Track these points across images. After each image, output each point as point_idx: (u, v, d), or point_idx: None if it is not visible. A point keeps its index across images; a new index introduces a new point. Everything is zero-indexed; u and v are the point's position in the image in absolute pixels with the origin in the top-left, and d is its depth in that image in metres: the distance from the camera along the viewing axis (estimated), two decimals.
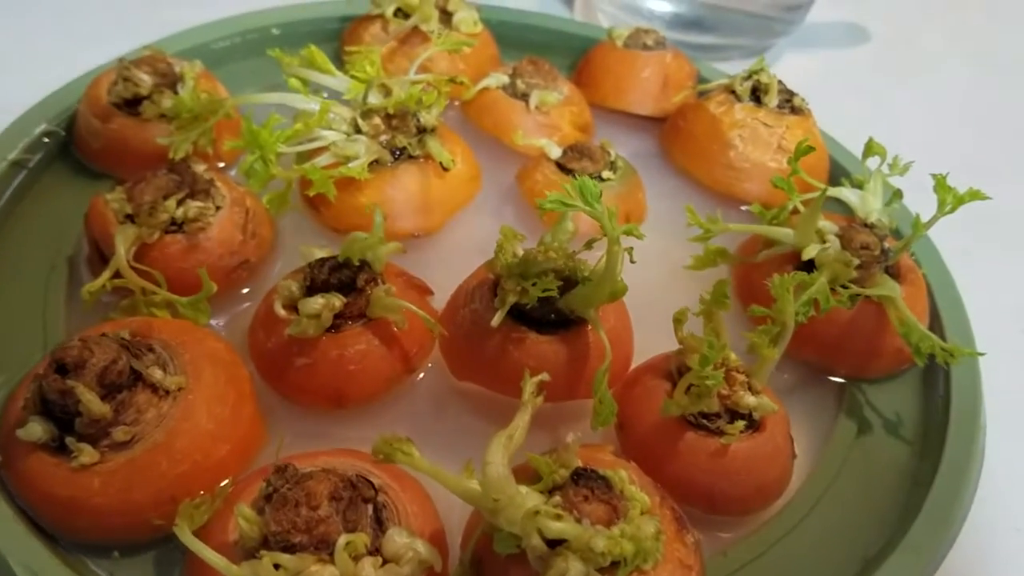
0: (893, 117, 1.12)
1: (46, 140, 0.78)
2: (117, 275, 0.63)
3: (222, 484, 0.55)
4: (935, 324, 0.74)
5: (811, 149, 0.69)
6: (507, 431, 0.52)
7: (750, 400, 0.59)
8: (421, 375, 0.67)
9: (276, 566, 0.47)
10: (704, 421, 0.59)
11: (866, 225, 0.72)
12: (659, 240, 0.77)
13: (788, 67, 1.20)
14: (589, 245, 0.63)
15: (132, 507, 0.53)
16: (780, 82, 0.85)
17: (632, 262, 0.63)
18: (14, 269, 0.69)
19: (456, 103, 0.88)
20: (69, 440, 0.53)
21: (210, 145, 0.73)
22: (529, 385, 0.54)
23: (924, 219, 0.68)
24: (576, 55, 0.99)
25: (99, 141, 0.76)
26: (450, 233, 0.76)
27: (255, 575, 0.47)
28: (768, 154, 0.82)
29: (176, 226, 0.66)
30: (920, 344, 0.66)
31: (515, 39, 1.00)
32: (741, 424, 0.58)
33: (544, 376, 0.56)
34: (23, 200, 0.75)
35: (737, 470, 0.59)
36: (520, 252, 0.63)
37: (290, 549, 0.48)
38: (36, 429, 0.53)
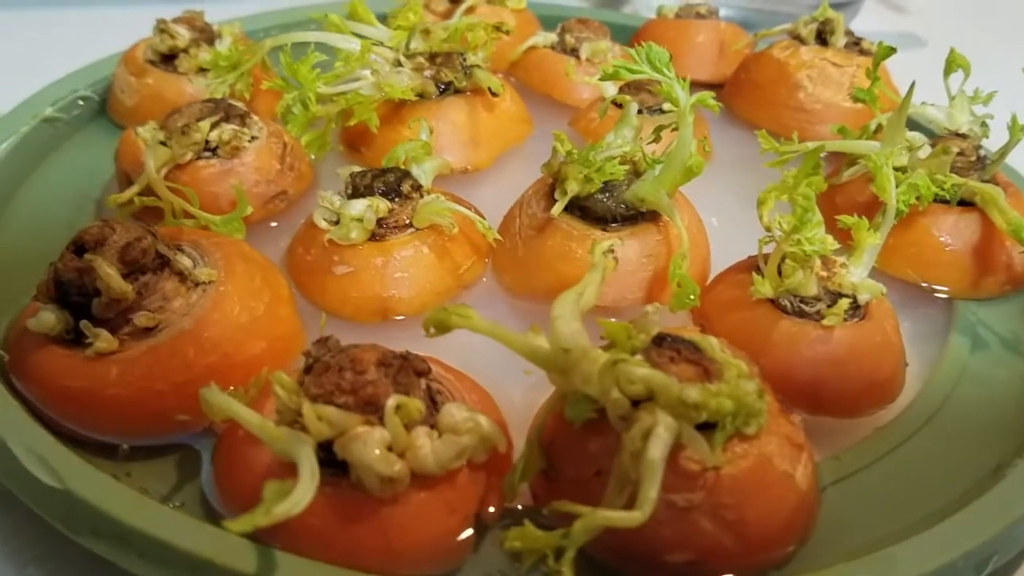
0: None
1: (80, 103, 0.75)
2: (147, 194, 0.59)
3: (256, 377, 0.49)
4: None
5: (892, 50, 0.64)
6: (576, 287, 0.45)
7: (853, 278, 0.51)
8: (472, 295, 0.60)
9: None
10: (802, 306, 0.51)
11: (958, 135, 0.66)
12: (728, 179, 0.72)
13: None
14: (657, 135, 0.57)
15: (153, 399, 0.47)
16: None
17: (706, 150, 0.57)
18: (37, 212, 0.65)
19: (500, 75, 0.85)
20: (84, 324, 0.47)
21: (248, 91, 0.70)
22: (599, 247, 0.48)
23: None
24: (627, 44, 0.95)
25: (133, 98, 0.73)
26: (501, 174, 0.71)
27: (293, 435, 0.40)
28: (840, 94, 0.76)
29: (210, 151, 0.62)
30: None
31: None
32: (846, 303, 0.50)
33: (616, 241, 0.49)
34: (52, 153, 0.72)
35: (844, 360, 0.51)
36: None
37: None
38: (48, 318, 0.47)
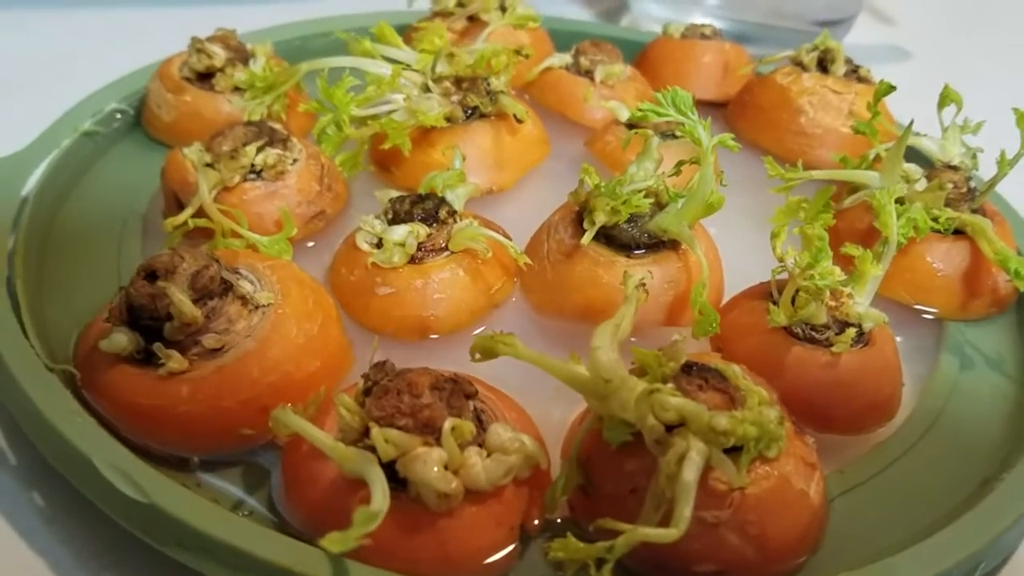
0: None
1: (118, 116, 0.78)
2: (198, 215, 0.62)
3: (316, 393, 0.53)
4: None
5: (892, 88, 0.68)
6: (613, 319, 0.49)
7: (859, 308, 0.56)
8: (502, 313, 0.65)
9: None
10: (812, 333, 0.56)
11: (950, 167, 0.71)
12: (731, 200, 0.76)
13: None
14: (678, 169, 0.62)
15: (221, 415, 0.51)
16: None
17: (723, 184, 0.61)
18: (86, 226, 0.69)
19: (513, 92, 0.89)
20: (157, 346, 0.50)
21: (284, 111, 0.73)
22: (631, 281, 0.52)
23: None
24: (631, 59, 0.99)
25: (171, 114, 0.76)
26: (522, 193, 0.75)
27: (361, 456, 0.44)
28: (839, 119, 0.81)
29: (255, 174, 0.66)
30: (1020, 268, 0.64)
31: (569, 45, 1.00)
32: (852, 332, 0.55)
33: (648, 274, 0.54)
34: (93, 167, 0.75)
35: (850, 383, 0.56)
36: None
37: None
38: (121, 339, 0.51)
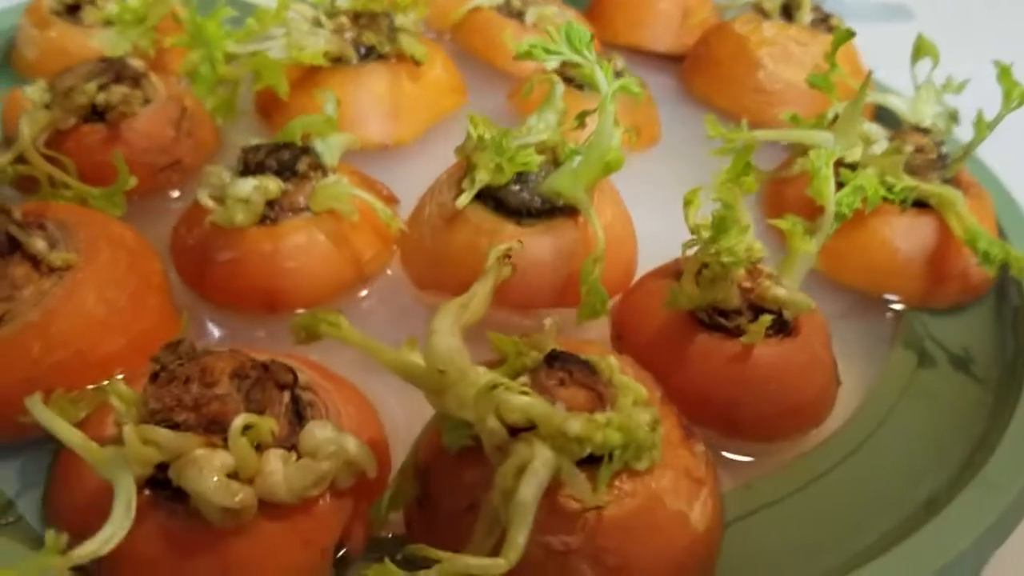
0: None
1: None
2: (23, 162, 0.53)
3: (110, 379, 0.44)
4: None
5: (851, 34, 0.58)
6: (461, 299, 0.40)
7: (779, 292, 0.46)
8: (376, 287, 0.55)
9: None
10: (720, 320, 0.47)
11: (919, 129, 0.61)
12: (675, 167, 0.67)
13: None
14: (581, 120, 0.52)
15: None
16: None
17: (630, 144, 0.52)
18: None
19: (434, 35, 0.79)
20: None
21: (152, 47, 0.64)
22: (494, 252, 0.43)
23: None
24: (585, 4, 0.89)
25: (35, 51, 0.68)
26: (425, 147, 0.66)
27: (117, 455, 0.36)
28: (802, 74, 0.70)
29: (98, 116, 0.57)
30: (989, 250, 0.54)
31: None
32: (768, 319, 0.45)
33: (515, 244, 0.44)
34: None
35: (763, 380, 0.46)
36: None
37: (172, 429, 0.36)
38: None
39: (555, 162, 0.51)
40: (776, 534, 0.45)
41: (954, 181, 0.60)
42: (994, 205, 0.63)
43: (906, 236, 0.57)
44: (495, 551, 0.35)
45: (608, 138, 0.47)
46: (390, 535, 0.42)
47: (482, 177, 0.49)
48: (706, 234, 0.47)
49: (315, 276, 0.51)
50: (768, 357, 0.46)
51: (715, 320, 0.47)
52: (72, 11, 0.68)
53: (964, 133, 0.62)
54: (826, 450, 0.49)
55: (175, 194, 0.60)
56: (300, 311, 0.52)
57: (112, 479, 0.35)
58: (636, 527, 0.37)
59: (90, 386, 0.44)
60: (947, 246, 0.58)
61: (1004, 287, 0.61)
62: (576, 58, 0.47)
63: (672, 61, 0.82)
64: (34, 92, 0.57)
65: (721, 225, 0.44)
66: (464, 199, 0.49)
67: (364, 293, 0.55)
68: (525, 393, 0.37)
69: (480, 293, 0.41)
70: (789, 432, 0.48)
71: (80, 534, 0.36)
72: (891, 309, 0.59)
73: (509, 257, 0.43)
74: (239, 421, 0.37)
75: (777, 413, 0.47)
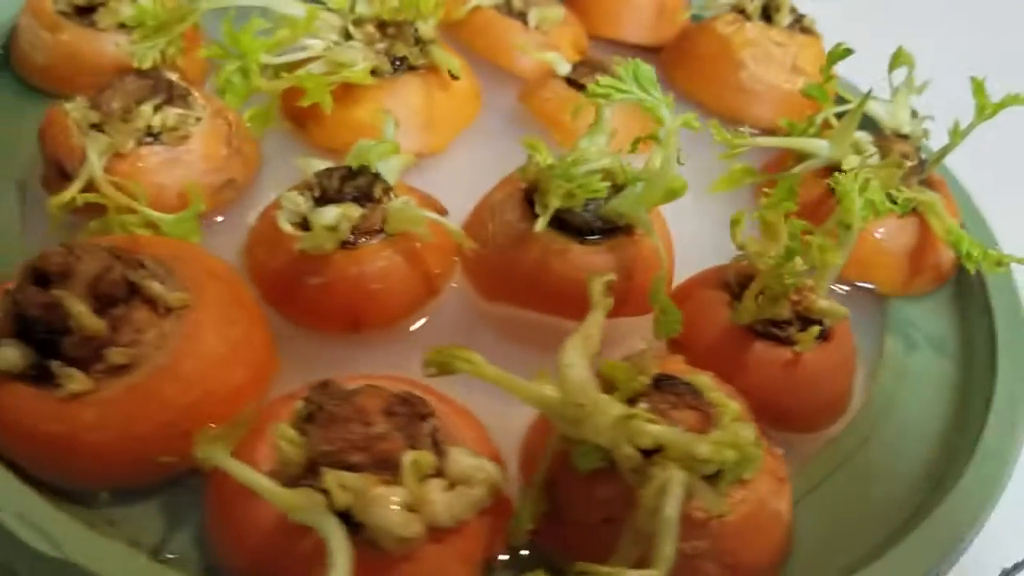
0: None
1: None
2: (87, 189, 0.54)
3: (245, 412, 0.46)
4: None
5: (849, 52, 0.64)
6: (581, 331, 0.45)
7: (823, 304, 0.53)
8: (441, 301, 0.59)
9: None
10: (774, 330, 0.53)
11: (900, 136, 0.68)
12: None
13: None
14: (634, 146, 0.57)
15: (134, 443, 0.44)
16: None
17: (680, 163, 0.57)
18: None
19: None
20: (55, 365, 0.43)
21: (180, 56, 0.64)
22: (597, 285, 0.48)
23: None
24: None
25: (46, 55, 0.66)
26: (455, 154, 0.69)
27: (311, 504, 0.39)
28: (782, 75, 0.77)
29: (152, 137, 0.57)
30: (971, 251, 0.62)
31: None
32: (816, 330, 0.52)
33: (611, 276, 0.49)
34: None
35: (810, 381, 0.53)
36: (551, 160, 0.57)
37: (348, 471, 0.40)
38: (11, 355, 0.44)
39: (613, 186, 0.55)
40: (824, 513, 0.52)
41: (927, 181, 0.68)
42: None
43: (893, 235, 0.65)
44: (641, 560, 0.41)
45: (673, 166, 0.52)
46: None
47: (555, 203, 0.54)
48: (752, 249, 0.54)
49: (396, 295, 0.55)
50: (814, 361, 0.53)
51: (769, 331, 0.53)
52: (82, 12, 0.66)
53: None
54: (846, 437, 0.56)
55: (219, 219, 0.61)
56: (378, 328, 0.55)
57: (314, 524, 0.38)
58: (747, 529, 0.44)
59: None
60: (925, 242, 0.66)
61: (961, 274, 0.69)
62: (645, 98, 0.51)
63: (648, 52, 0.86)
64: (77, 111, 0.56)
65: (789, 253, 0.50)
66: (540, 224, 0.53)
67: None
68: (653, 421, 0.42)
69: (595, 323, 0.46)
70: (825, 423, 0.56)
71: (255, 572, 0.40)
72: (871, 297, 0.66)
73: (611, 287, 0.48)
74: (409, 458, 0.41)
75: (818, 408, 0.55)
